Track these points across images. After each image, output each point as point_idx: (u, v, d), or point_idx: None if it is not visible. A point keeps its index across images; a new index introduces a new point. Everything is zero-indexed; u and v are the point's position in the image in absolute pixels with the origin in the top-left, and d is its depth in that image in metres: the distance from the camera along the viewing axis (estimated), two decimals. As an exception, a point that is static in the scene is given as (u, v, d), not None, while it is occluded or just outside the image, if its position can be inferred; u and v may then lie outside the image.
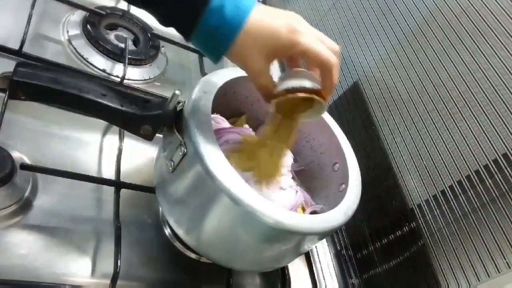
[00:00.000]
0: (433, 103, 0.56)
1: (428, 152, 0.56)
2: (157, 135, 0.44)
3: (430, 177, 0.55)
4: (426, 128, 0.57)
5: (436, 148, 0.55)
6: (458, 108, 0.53)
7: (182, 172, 0.43)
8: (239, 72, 0.53)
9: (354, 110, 0.71)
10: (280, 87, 0.41)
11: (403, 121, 0.61)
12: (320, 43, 0.39)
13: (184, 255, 0.53)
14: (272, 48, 0.38)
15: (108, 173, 0.54)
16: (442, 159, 0.54)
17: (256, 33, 0.37)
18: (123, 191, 0.51)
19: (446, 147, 0.53)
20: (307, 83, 0.40)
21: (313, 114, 0.44)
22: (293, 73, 0.42)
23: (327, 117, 0.57)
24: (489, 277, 0.46)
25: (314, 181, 0.59)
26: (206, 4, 0.35)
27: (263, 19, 0.37)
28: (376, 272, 0.60)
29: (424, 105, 0.58)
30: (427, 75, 0.58)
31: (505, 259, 0.45)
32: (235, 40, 0.37)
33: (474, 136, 0.50)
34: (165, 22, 0.39)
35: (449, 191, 0.52)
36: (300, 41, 0.37)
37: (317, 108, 0.43)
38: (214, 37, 0.37)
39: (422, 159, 0.57)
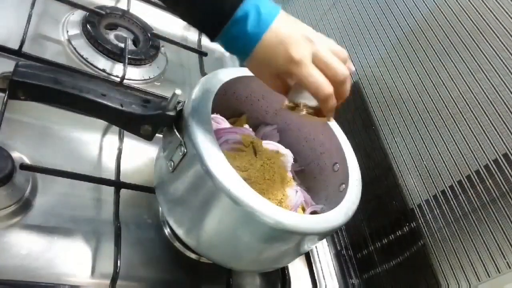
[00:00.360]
0: (433, 102, 0.56)
1: (428, 152, 0.56)
2: (157, 135, 0.44)
3: (430, 177, 0.55)
4: (426, 128, 0.57)
5: (436, 148, 0.55)
6: (458, 108, 0.53)
7: (182, 172, 0.42)
8: (239, 72, 0.53)
9: (354, 110, 0.71)
10: (289, 98, 0.42)
11: (403, 120, 0.61)
12: (315, 72, 0.39)
13: (184, 255, 0.53)
14: (273, 72, 0.40)
15: (108, 173, 0.54)
16: (442, 159, 0.54)
17: (262, 57, 0.39)
18: (123, 191, 0.51)
19: (447, 147, 0.53)
20: (310, 101, 0.41)
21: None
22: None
23: (327, 117, 0.57)
24: (490, 277, 0.46)
25: (314, 181, 0.59)
26: (232, 13, 0.37)
27: (271, 41, 0.38)
28: (376, 272, 0.60)
29: (424, 105, 0.58)
30: (427, 74, 0.58)
31: (505, 259, 0.45)
32: (252, 51, 0.39)
33: (475, 136, 0.50)
34: (193, 23, 0.41)
35: (449, 191, 0.52)
36: (294, 73, 0.38)
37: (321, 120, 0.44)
38: (235, 45, 0.40)
39: (422, 159, 0.57)
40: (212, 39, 0.40)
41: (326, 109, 0.40)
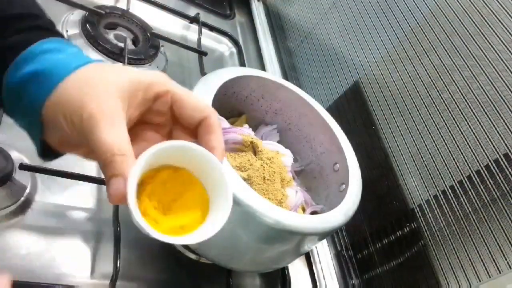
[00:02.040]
0: (434, 103, 0.56)
1: (429, 152, 0.56)
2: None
3: (431, 177, 0.55)
4: (427, 128, 0.57)
5: (437, 148, 0.55)
6: (459, 108, 0.53)
7: (181, 172, 0.42)
8: (239, 72, 0.53)
9: (354, 110, 0.71)
10: None
11: (404, 120, 0.61)
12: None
13: (184, 256, 0.53)
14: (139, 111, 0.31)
15: (108, 173, 0.54)
16: (443, 159, 0.53)
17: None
18: (123, 191, 0.51)
19: (447, 147, 0.53)
20: None
21: None
22: None
23: (327, 117, 0.56)
24: (490, 277, 0.46)
25: (314, 181, 0.58)
26: None
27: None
28: (377, 273, 0.60)
29: (425, 105, 0.58)
30: (428, 74, 0.58)
31: (506, 259, 0.44)
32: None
33: (475, 136, 0.50)
34: None
35: (450, 191, 0.52)
36: (167, 85, 0.30)
37: None
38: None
39: (423, 159, 0.56)
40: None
41: (217, 140, 0.31)
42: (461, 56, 0.54)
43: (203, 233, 0.26)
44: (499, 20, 0.50)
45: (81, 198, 0.51)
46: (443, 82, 0.56)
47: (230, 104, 0.57)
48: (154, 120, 0.30)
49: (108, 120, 0.25)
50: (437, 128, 0.55)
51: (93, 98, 0.26)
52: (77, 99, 0.26)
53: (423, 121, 0.57)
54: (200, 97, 0.43)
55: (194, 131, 0.30)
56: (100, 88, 0.26)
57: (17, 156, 0.48)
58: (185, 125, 0.30)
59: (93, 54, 0.66)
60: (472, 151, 0.50)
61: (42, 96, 0.27)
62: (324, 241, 0.68)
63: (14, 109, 0.29)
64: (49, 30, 0.32)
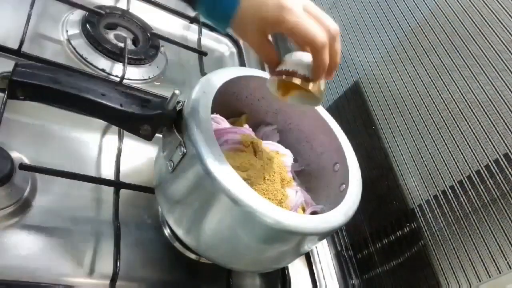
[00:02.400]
0: (434, 102, 0.56)
1: (429, 152, 0.56)
2: (157, 135, 0.44)
3: (431, 177, 0.55)
4: (427, 128, 0.57)
5: (437, 148, 0.55)
6: (459, 108, 0.53)
7: (181, 172, 0.42)
8: (239, 72, 0.52)
9: (354, 110, 0.71)
10: (279, 67, 0.40)
11: (404, 120, 0.61)
12: (308, 20, 0.36)
13: (184, 256, 0.53)
14: (261, 24, 0.38)
15: (108, 173, 0.54)
16: (443, 159, 0.53)
17: (249, 7, 0.37)
18: (123, 191, 0.51)
19: (447, 147, 0.53)
20: (301, 69, 0.39)
21: (308, 100, 0.44)
22: (297, 56, 0.41)
23: (327, 117, 0.56)
24: (490, 277, 0.46)
25: (314, 181, 0.58)
26: None
27: None
28: (377, 273, 0.60)
29: (425, 105, 0.58)
30: (428, 74, 0.58)
31: (506, 260, 0.44)
32: (235, 12, 0.37)
33: (475, 136, 0.50)
34: None
35: (450, 191, 0.52)
36: (285, 19, 0.36)
37: (310, 95, 0.42)
38: (215, 8, 0.38)
39: (423, 159, 0.56)
40: (194, 6, 0.38)
41: (320, 66, 0.37)
42: (461, 56, 0.54)
43: None
44: (499, 20, 0.50)
45: (81, 198, 0.51)
46: (443, 82, 0.56)
47: (230, 104, 0.57)
48: None
49: None
50: (437, 128, 0.55)
51: None
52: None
53: (423, 121, 0.57)
54: None
55: None
56: None
57: (17, 156, 0.48)
58: None
59: (93, 54, 0.66)
60: (472, 151, 0.50)
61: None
62: (324, 241, 0.68)
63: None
64: None
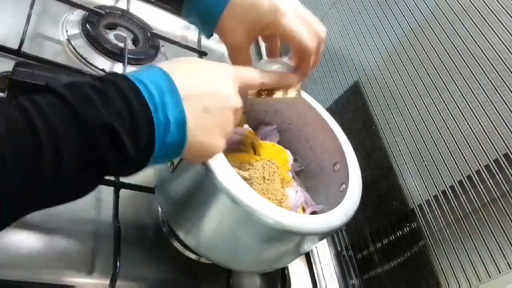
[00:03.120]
0: (434, 103, 0.56)
1: (429, 152, 0.56)
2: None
3: (431, 177, 0.55)
4: (427, 128, 0.57)
5: (437, 148, 0.55)
6: (459, 108, 0.53)
7: (181, 172, 0.42)
8: (239, 72, 0.52)
9: (354, 110, 0.71)
10: (258, 67, 0.41)
11: (404, 120, 0.61)
12: (301, 25, 0.38)
13: (184, 256, 0.53)
14: (252, 26, 0.38)
15: (108, 173, 0.54)
16: (442, 159, 0.53)
17: (240, 8, 0.37)
18: (123, 191, 0.51)
19: (447, 147, 0.53)
20: (281, 68, 0.41)
21: (289, 99, 0.45)
22: (270, 63, 0.42)
23: (327, 117, 0.56)
24: (490, 277, 0.46)
25: (314, 181, 0.58)
26: None
27: None
28: (377, 273, 0.60)
29: (425, 105, 0.58)
30: (428, 74, 0.58)
31: (506, 260, 0.44)
32: (221, 14, 0.38)
33: (475, 136, 0.50)
34: None
35: (450, 191, 0.52)
36: (280, 22, 0.37)
37: (290, 98, 0.43)
38: (203, 10, 0.38)
39: (423, 159, 0.56)
40: (179, 10, 0.40)
41: (303, 73, 0.39)
42: (461, 56, 0.54)
43: None
44: (499, 20, 0.50)
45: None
46: (443, 82, 0.56)
47: (230, 104, 0.57)
48: None
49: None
50: (437, 128, 0.55)
51: None
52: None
53: (423, 121, 0.57)
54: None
55: None
56: None
57: (17, 156, 0.48)
58: None
59: (93, 54, 0.66)
60: (472, 151, 0.50)
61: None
62: (324, 241, 0.68)
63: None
64: None
